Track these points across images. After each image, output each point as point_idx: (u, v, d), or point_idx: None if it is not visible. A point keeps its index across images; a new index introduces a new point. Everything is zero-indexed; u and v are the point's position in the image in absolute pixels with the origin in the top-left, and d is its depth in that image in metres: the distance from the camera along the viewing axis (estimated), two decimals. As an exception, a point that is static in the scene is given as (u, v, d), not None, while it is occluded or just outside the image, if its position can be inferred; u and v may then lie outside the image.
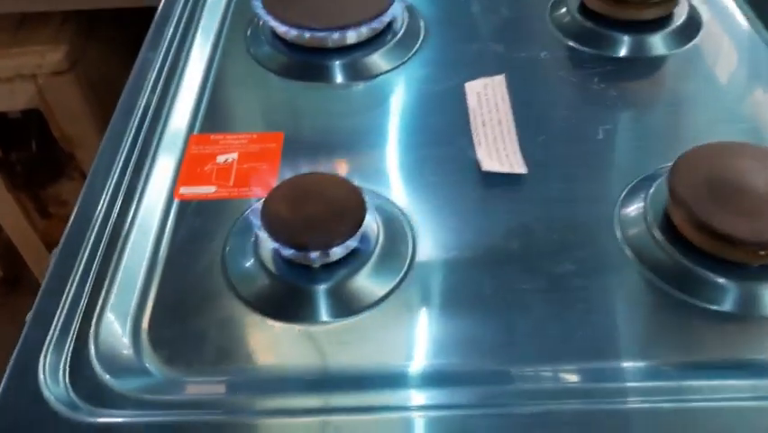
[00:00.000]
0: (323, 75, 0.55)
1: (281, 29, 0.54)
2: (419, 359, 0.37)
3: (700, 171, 0.40)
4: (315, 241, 0.37)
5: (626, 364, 0.36)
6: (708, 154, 0.41)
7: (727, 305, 0.37)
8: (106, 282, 0.39)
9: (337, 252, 0.38)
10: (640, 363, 0.36)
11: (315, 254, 0.38)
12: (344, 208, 0.39)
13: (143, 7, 0.88)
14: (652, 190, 0.42)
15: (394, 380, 0.36)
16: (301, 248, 0.37)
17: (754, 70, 0.53)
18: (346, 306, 0.39)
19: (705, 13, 0.56)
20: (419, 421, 0.34)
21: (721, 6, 0.58)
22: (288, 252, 0.38)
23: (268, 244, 0.39)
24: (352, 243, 0.38)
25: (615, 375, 0.36)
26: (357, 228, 0.38)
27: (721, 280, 0.38)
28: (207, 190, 0.46)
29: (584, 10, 0.56)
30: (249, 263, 0.40)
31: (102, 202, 0.44)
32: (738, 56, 0.54)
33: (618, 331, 0.38)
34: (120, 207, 0.44)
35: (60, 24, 1.02)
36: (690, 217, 0.38)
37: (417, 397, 0.35)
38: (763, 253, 0.37)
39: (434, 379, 0.36)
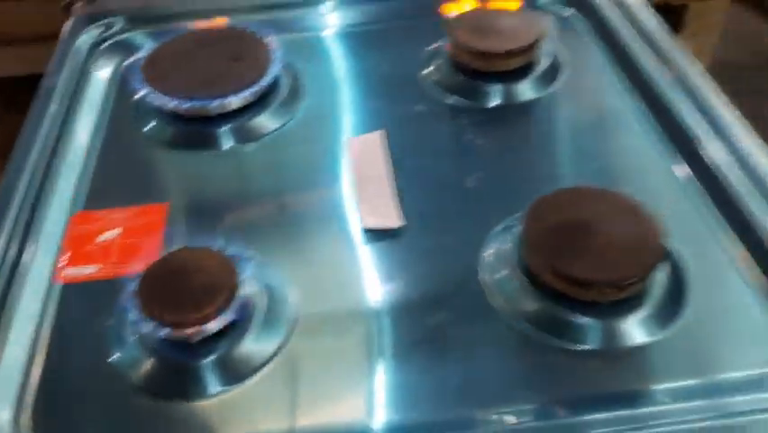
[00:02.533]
0: (209, 141, 0.56)
1: (162, 100, 0.55)
2: (302, 418, 0.38)
3: (551, 217, 0.43)
4: (190, 318, 0.38)
5: (500, 409, 0.38)
6: (558, 200, 0.44)
7: (589, 342, 0.40)
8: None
9: (213, 326, 0.39)
10: (511, 408, 0.38)
11: (191, 331, 0.39)
12: (217, 282, 0.40)
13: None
14: (512, 236, 0.45)
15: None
16: (176, 327, 0.38)
17: (609, 111, 0.57)
18: (232, 374, 0.40)
19: (565, 57, 0.61)
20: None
21: (579, 51, 0.62)
22: (163, 331, 0.39)
23: (147, 325, 0.40)
24: (227, 316, 0.39)
25: (486, 422, 0.38)
26: (230, 301, 0.39)
27: (579, 320, 0.41)
28: (90, 270, 0.46)
29: (455, 64, 0.59)
30: (131, 346, 0.40)
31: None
32: (594, 98, 0.58)
33: (490, 378, 0.40)
34: (0, 294, 0.44)
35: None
36: (543, 262, 0.41)
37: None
38: (611, 291, 0.40)
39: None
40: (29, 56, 0.86)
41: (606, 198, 0.44)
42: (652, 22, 0.60)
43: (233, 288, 0.40)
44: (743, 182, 0.46)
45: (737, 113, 0.50)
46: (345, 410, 0.39)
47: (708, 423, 0.36)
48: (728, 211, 0.46)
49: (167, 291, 0.39)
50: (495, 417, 0.38)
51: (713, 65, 1.82)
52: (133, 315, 0.40)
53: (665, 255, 0.41)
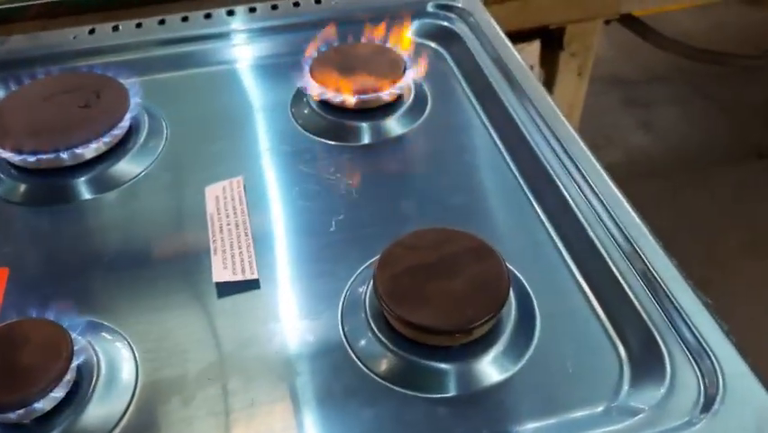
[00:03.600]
0: (67, 194, 0.53)
1: (8, 156, 0.52)
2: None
3: (401, 261, 0.42)
4: (13, 400, 0.36)
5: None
6: (409, 243, 0.43)
7: (445, 390, 0.40)
8: None
9: (42, 406, 0.37)
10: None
11: (17, 414, 0.36)
12: (47, 357, 0.37)
13: None
14: (369, 284, 0.44)
15: None
16: (1, 409, 0.36)
17: (469, 143, 0.57)
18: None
19: (430, 92, 0.61)
20: None
21: (443, 84, 0.62)
22: (-13, 418, 0.36)
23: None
24: (56, 393, 0.37)
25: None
26: (61, 377, 0.37)
27: (435, 367, 0.40)
28: None
29: (322, 102, 0.58)
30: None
31: None
32: (457, 130, 0.59)
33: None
34: None
35: None
36: (391, 311, 0.40)
37: None
38: (460, 335, 0.40)
39: None
40: None
41: (456, 238, 0.44)
42: (514, 59, 0.61)
43: (65, 362, 0.37)
44: (593, 219, 0.47)
45: (591, 154, 0.51)
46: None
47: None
48: (572, 244, 0.47)
49: (-11, 372, 0.37)
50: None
51: (604, 78, 1.91)
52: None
53: (508, 296, 0.41)
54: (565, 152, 0.51)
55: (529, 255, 0.47)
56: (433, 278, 0.42)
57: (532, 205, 0.51)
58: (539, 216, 0.50)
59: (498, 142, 0.56)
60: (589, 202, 0.48)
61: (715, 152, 1.72)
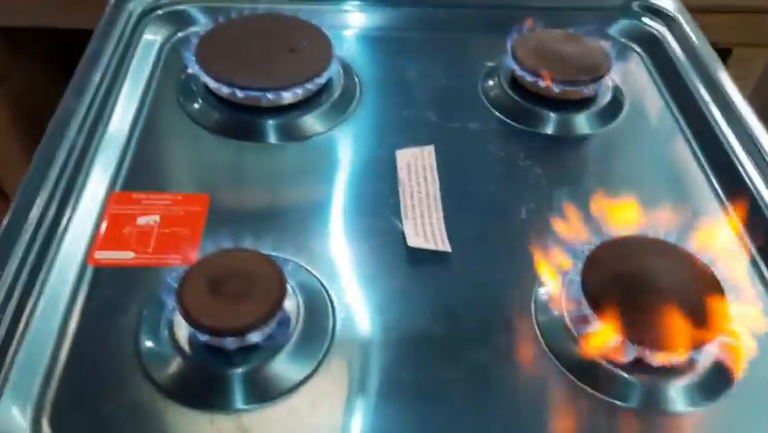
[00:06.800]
0: (255, 134, 0.54)
1: (213, 85, 0.53)
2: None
3: (610, 265, 0.41)
4: (231, 326, 0.37)
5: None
6: (618, 247, 0.42)
7: (632, 402, 0.39)
8: (7, 361, 0.38)
9: (253, 337, 0.37)
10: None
11: (230, 340, 0.37)
12: (263, 291, 0.38)
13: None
14: (565, 278, 0.43)
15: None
16: (215, 334, 0.37)
17: (668, 153, 0.55)
18: (262, 392, 0.38)
19: (628, 95, 0.59)
20: None
21: (642, 89, 0.60)
22: (202, 337, 0.37)
23: (181, 326, 0.38)
24: (268, 328, 0.38)
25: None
26: (275, 314, 0.38)
27: (627, 378, 0.39)
28: (125, 256, 0.44)
29: (515, 84, 0.57)
30: (162, 343, 0.39)
31: (9, 265, 0.42)
32: (654, 139, 0.57)
33: (531, 423, 0.38)
34: (29, 273, 0.42)
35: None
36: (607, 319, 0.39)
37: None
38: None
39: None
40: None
41: (667, 251, 0.42)
42: (722, 75, 0.58)
43: (279, 300, 0.38)
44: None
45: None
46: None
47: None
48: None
49: (209, 296, 0.37)
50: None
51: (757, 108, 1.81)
52: (170, 313, 0.38)
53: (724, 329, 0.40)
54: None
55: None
56: (645, 289, 0.40)
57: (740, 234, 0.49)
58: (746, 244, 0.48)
59: (703, 159, 0.54)
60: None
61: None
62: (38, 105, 1.02)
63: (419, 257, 0.46)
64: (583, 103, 0.57)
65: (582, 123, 0.56)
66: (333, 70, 0.56)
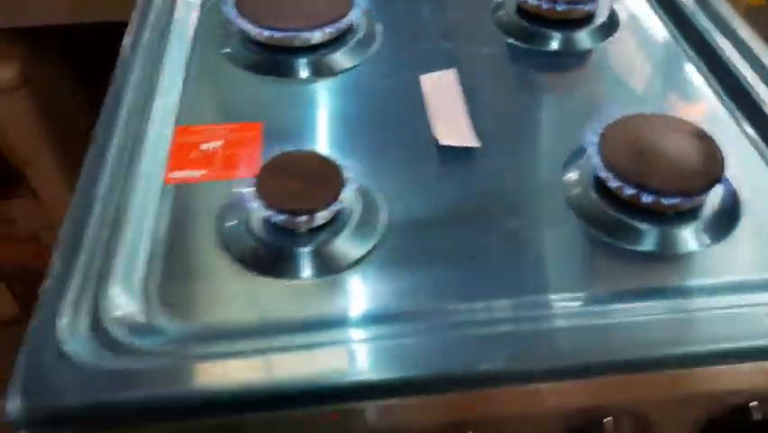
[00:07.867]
0: (290, 71, 0.60)
1: (254, 31, 0.60)
2: (391, 301, 0.43)
3: (625, 138, 0.47)
4: (304, 206, 0.43)
5: (566, 295, 0.43)
6: (627, 125, 0.49)
7: (648, 245, 0.45)
8: (116, 251, 0.44)
9: (322, 216, 0.44)
10: (577, 294, 0.43)
11: (302, 219, 0.43)
12: (325, 178, 0.45)
13: (93, 24, 0.92)
14: (584, 158, 0.49)
15: (364, 319, 0.42)
16: (291, 213, 0.43)
17: (662, 61, 0.62)
18: (327, 266, 0.44)
19: (622, 13, 0.65)
20: (388, 345, 0.40)
21: (636, 7, 0.67)
22: (279, 217, 0.43)
23: (259, 213, 0.44)
24: (335, 206, 0.44)
25: (552, 304, 0.43)
26: (338, 194, 0.44)
27: (645, 226, 0.46)
28: (196, 174, 0.51)
29: (520, 11, 0.64)
30: (241, 231, 0.45)
31: (99, 184, 0.48)
32: (649, 50, 0.63)
33: (560, 271, 0.45)
34: (118, 190, 0.48)
35: (10, 41, 1.04)
36: (619, 176, 0.45)
37: (386, 330, 0.41)
38: (676, 203, 0.45)
39: (404, 317, 0.42)
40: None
41: (669, 122, 0.49)
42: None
43: (339, 184, 0.44)
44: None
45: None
46: (427, 300, 0.43)
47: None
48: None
49: (283, 184, 0.44)
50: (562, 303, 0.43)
51: None
52: (251, 204, 0.44)
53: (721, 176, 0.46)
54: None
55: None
56: (656, 153, 0.46)
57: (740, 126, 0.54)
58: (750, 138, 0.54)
59: (690, 53, 0.60)
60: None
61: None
62: (59, 104, 1.08)
63: (450, 155, 0.52)
64: (582, 22, 0.63)
65: (583, 39, 0.63)
66: (356, 13, 0.62)
